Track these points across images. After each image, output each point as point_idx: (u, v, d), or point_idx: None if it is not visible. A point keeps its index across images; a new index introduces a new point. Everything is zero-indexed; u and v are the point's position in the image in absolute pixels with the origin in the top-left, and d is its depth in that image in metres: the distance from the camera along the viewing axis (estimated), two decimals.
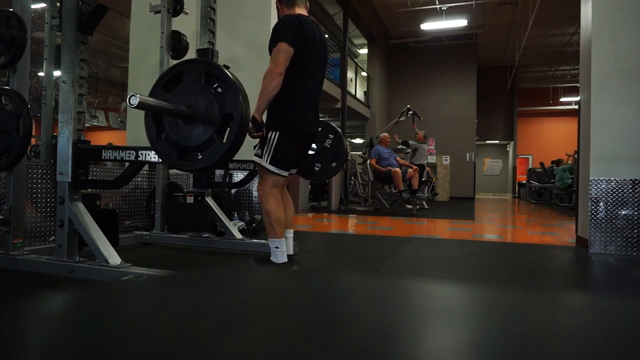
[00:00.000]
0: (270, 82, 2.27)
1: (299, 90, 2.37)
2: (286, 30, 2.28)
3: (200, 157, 2.01)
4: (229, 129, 1.98)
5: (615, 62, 3.47)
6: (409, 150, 9.10)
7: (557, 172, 10.25)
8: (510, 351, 0.24)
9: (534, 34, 13.11)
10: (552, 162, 12.38)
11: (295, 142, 2.43)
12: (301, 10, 2.47)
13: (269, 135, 2.38)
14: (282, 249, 2.45)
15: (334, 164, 3.30)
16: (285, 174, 2.46)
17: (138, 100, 1.76)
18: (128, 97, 1.77)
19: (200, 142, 1.99)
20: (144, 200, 3.81)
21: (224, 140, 1.98)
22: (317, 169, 3.32)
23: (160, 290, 0.38)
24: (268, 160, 2.38)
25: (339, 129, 3.32)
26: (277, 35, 2.28)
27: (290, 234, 2.62)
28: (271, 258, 2.46)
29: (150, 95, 2.11)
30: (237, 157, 3.40)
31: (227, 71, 2.01)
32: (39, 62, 4.63)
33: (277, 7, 2.54)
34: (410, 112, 8.22)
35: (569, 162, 10.12)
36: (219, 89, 1.98)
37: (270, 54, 2.30)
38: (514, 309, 0.33)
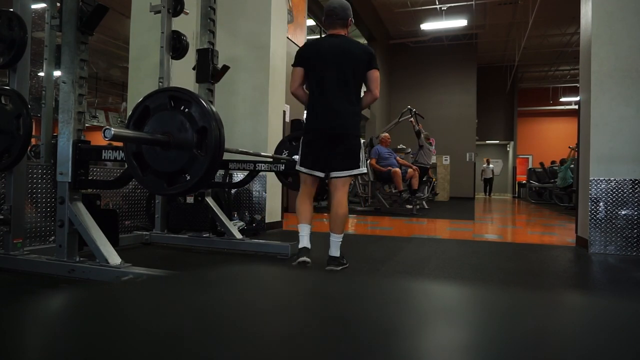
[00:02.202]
0: (294, 95, 2.78)
1: (311, 98, 2.70)
2: (295, 56, 2.75)
3: (188, 177, 2.04)
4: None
5: (615, 62, 3.47)
6: (409, 150, 9.09)
7: (561, 170, 10.20)
8: (510, 351, 0.24)
9: (534, 34, 13.12)
10: (552, 162, 12.37)
11: (312, 142, 2.67)
12: (333, 31, 2.74)
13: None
14: (301, 234, 2.64)
15: None
16: (309, 172, 2.69)
17: (112, 133, 1.79)
18: (103, 130, 1.79)
19: (184, 163, 2.02)
20: (144, 200, 3.81)
21: (206, 152, 2.02)
22: None
23: (160, 290, 0.38)
24: (298, 163, 2.76)
25: None
26: (293, 61, 2.77)
27: (332, 237, 2.65)
28: None
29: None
30: (237, 157, 3.43)
31: (188, 90, 2.06)
32: (39, 62, 4.63)
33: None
34: (414, 111, 8.20)
35: (572, 155, 10.06)
36: (187, 109, 2.02)
37: None
38: (514, 308, 0.33)
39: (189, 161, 2.01)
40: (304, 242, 2.61)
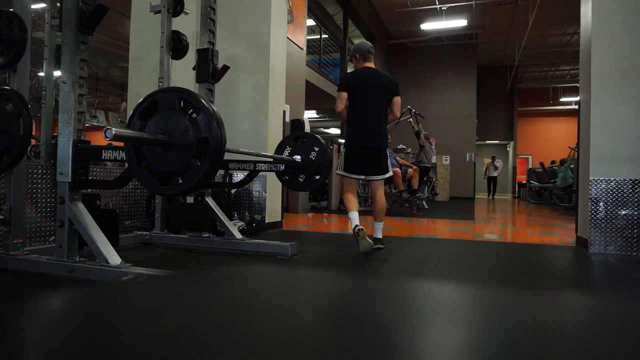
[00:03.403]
0: (339, 114, 3.43)
1: (351, 118, 3.36)
2: (341, 83, 3.50)
3: (181, 181, 2.04)
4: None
5: (615, 62, 3.47)
6: (409, 150, 9.08)
7: (561, 170, 10.19)
8: (510, 351, 0.24)
9: (534, 34, 13.12)
10: (552, 162, 12.37)
11: (352, 153, 3.36)
12: (367, 64, 3.46)
13: (342, 151, 3.46)
14: (352, 217, 3.34)
15: (317, 177, 3.38)
16: (353, 176, 3.40)
17: (114, 132, 1.79)
18: (104, 130, 1.79)
19: (179, 167, 2.02)
20: (144, 200, 3.81)
21: (202, 163, 2.02)
22: (301, 180, 3.42)
23: (160, 290, 0.38)
24: (341, 169, 3.42)
25: (325, 143, 3.41)
26: (339, 87, 3.46)
27: (375, 224, 3.46)
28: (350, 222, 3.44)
29: (128, 124, 2.13)
30: (237, 157, 3.43)
31: (200, 97, 2.04)
32: (39, 62, 4.63)
33: (355, 62, 3.52)
34: (414, 111, 8.20)
35: (572, 155, 10.03)
36: (194, 115, 2.01)
37: None
38: (514, 309, 0.33)
39: (185, 167, 2.01)
40: (356, 222, 3.29)
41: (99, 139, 3.73)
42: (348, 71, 3.58)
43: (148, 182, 2.11)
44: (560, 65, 17.52)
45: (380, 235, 3.43)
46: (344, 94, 3.34)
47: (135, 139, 2.05)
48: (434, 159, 11.17)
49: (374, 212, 3.45)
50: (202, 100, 2.03)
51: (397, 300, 0.34)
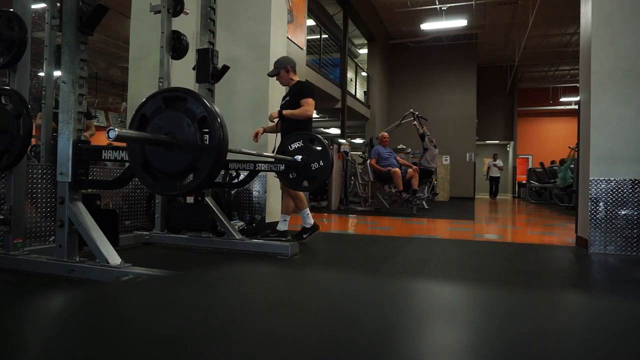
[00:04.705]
0: (304, 116, 3.63)
1: (307, 124, 3.67)
2: (312, 92, 3.73)
3: (158, 179, 2.04)
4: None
5: (615, 62, 3.47)
6: (409, 150, 9.08)
7: (561, 170, 10.19)
8: (510, 351, 0.24)
9: (534, 34, 13.13)
10: (552, 162, 12.36)
11: None
12: (297, 76, 3.83)
13: None
14: (309, 214, 3.76)
15: (305, 183, 3.41)
16: None
17: (116, 133, 1.79)
18: (107, 130, 1.80)
19: (167, 170, 2.02)
20: (144, 200, 3.81)
21: (185, 187, 2.03)
22: (291, 177, 3.43)
23: (160, 290, 0.38)
24: None
25: (331, 163, 3.40)
26: (309, 93, 3.71)
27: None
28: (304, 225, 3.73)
29: (151, 97, 2.10)
30: (238, 157, 3.43)
31: (224, 129, 1.97)
32: (39, 62, 4.63)
33: (284, 73, 3.76)
34: (416, 114, 8.19)
35: (572, 155, 10.02)
36: (205, 137, 1.96)
37: (299, 99, 3.67)
38: (514, 309, 0.33)
39: (170, 174, 2.02)
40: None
41: (99, 139, 3.71)
42: (304, 80, 4.04)
43: (133, 157, 2.09)
44: (560, 65, 17.53)
45: (284, 228, 3.76)
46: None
47: (138, 140, 2.04)
48: None
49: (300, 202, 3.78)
50: (223, 132, 1.96)
51: (397, 301, 0.34)
